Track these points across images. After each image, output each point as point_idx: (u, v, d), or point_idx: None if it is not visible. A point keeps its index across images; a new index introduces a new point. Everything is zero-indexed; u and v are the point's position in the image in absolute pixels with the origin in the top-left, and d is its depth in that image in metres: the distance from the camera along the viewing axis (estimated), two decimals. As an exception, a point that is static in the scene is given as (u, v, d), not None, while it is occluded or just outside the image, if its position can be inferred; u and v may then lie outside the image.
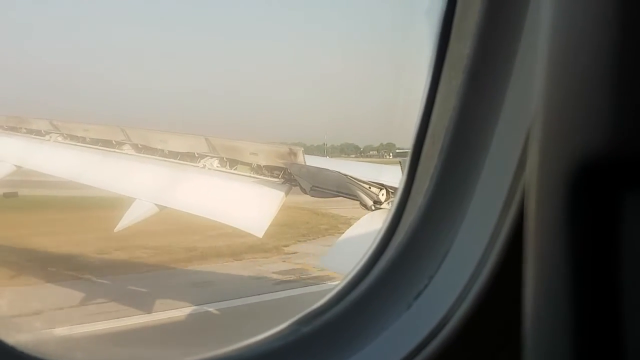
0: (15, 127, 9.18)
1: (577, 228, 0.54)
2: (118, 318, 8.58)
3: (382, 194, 5.33)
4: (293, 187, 6.07)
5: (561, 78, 0.55)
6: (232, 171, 6.64)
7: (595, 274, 0.54)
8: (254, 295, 10.14)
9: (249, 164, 6.55)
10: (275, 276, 11.54)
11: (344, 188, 5.57)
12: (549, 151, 0.56)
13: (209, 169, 6.75)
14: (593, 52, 0.50)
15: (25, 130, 8.95)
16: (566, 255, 0.55)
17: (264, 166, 6.37)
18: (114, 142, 7.84)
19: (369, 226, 5.11)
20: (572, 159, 0.52)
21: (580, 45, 0.52)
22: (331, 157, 16.11)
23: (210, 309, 9.23)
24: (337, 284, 1.15)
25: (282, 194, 6.01)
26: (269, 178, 6.28)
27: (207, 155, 6.82)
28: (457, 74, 1.01)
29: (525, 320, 0.64)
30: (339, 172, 5.66)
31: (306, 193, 5.97)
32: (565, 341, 0.57)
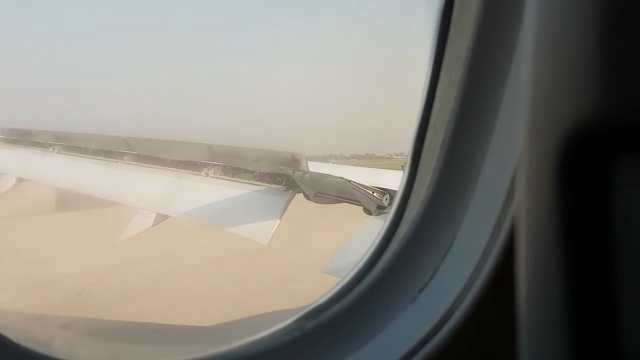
0: (18, 139, 9.22)
1: (570, 201, 0.53)
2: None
3: (386, 199, 5.31)
4: (297, 194, 6.07)
5: (548, 49, 0.54)
6: (234, 179, 6.64)
7: (589, 245, 0.53)
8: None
9: (251, 172, 6.55)
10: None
11: (347, 194, 5.56)
12: (537, 127, 0.55)
13: (211, 177, 6.75)
14: (581, 23, 0.50)
15: (28, 143, 8.99)
16: (559, 231, 0.54)
17: (266, 173, 6.37)
18: (116, 152, 7.88)
19: (372, 231, 5.09)
20: (560, 131, 0.51)
21: (567, 16, 0.51)
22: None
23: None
24: (341, 280, 1.14)
25: (286, 200, 6.00)
26: (272, 185, 6.28)
27: (209, 164, 6.84)
28: (458, 65, 1.01)
29: (521, 307, 0.62)
30: (342, 178, 5.65)
31: (310, 199, 5.96)
32: (560, 325, 0.56)
